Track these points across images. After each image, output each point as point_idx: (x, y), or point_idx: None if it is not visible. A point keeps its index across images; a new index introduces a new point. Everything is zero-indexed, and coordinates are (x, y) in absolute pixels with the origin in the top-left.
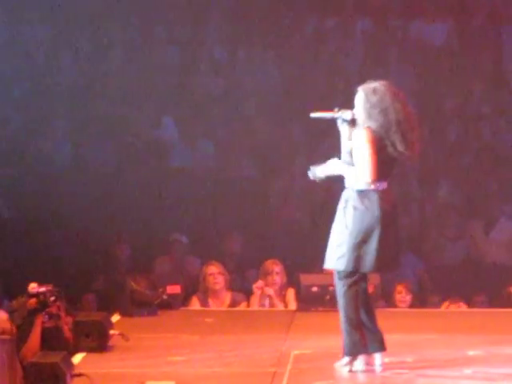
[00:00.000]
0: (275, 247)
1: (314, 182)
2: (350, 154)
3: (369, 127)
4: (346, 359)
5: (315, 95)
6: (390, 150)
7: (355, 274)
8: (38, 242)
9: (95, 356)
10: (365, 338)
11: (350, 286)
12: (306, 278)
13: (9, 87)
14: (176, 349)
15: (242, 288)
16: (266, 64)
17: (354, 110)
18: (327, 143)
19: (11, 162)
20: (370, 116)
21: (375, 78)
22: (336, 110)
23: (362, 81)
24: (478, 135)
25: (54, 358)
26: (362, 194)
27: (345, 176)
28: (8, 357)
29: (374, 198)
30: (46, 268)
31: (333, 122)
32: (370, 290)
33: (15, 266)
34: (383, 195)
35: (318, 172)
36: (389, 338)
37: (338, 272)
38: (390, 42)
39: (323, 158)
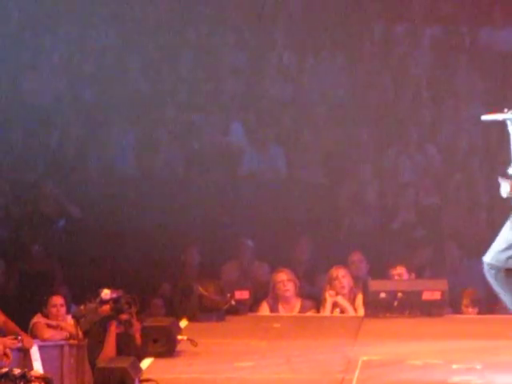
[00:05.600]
0: (344, 253)
1: (384, 186)
2: None
3: None
4: None
5: (383, 101)
6: None
7: None
8: (106, 248)
9: (163, 361)
10: None
11: None
12: (373, 284)
13: (77, 92)
14: (244, 354)
15: (310, 294)
16: (334, 69)
17: None
18: (395, 148)
19: (77, 168)
20: None
21: (443, 84)
22: (506, 110)
23: (430, 87)
24: None
25: (123, 362)
26: None
27: None
28: (76, 361)
29: None
30: (114, 273)
31: (401, 128)
32: (438, 296)
33: (82, 272)
34: None
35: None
36: (457, 345)
37: None
38: (459, 48)
39: (392, 163)
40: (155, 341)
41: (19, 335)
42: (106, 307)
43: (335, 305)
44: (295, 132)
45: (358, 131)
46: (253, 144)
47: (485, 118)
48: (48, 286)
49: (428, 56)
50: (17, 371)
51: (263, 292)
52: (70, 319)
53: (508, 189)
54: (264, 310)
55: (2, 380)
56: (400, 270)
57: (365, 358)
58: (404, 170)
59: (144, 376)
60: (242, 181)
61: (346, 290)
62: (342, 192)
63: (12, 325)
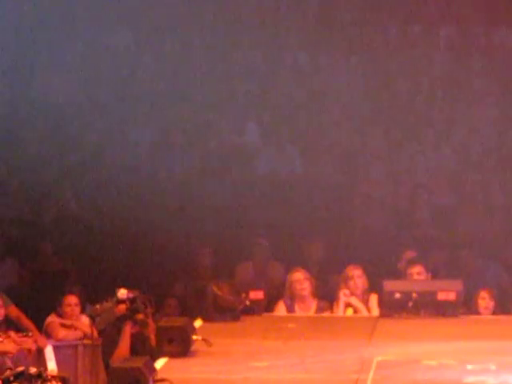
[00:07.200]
0: (358, 253)
1: (399, 186)
2: None
3: None
4: None
5: (398, 101)
6: None
7: None
8: (120, 248)
9: (178, 361)
10: None
11: None
12: (389, 285)
13: (93, 92)
14: (259, 355)
15: (325, 294)
16: (348, 70)
17: None
18: (410, 149)
19: (93, 168)
20: None
21: (458, 84)
22: None
23: (445, 87)
24: None
25: (137, 362)
26: None
27: None
28: (90, 361)
29: None
30: (128, 273)
31: (416, 129)
32: (453, 296)
33: (97, 272)
34: None
35: None
36: (472, 345)
37: None
38: (474, 48)
39: (406, 164)
40: (170, 341)
41: (30, 331)
42: (122, 307)
43: (348, 304)
44: (310, 132)
45: (372, 131)
46: (268, 144)
47: None
48: (62, 285)
49: (443, 56)
50: (33, 370)
51: (278, 292)
52: (84, 319)
53: None
54: (281, 309)
55: (18, 379)
56: (418, 269)
57: (379, 359)
58: (419, 171)
59: (158, 376)
60: (257, 181)
61: (359, 291)
62: (356, 192)
63: (25, 320)
